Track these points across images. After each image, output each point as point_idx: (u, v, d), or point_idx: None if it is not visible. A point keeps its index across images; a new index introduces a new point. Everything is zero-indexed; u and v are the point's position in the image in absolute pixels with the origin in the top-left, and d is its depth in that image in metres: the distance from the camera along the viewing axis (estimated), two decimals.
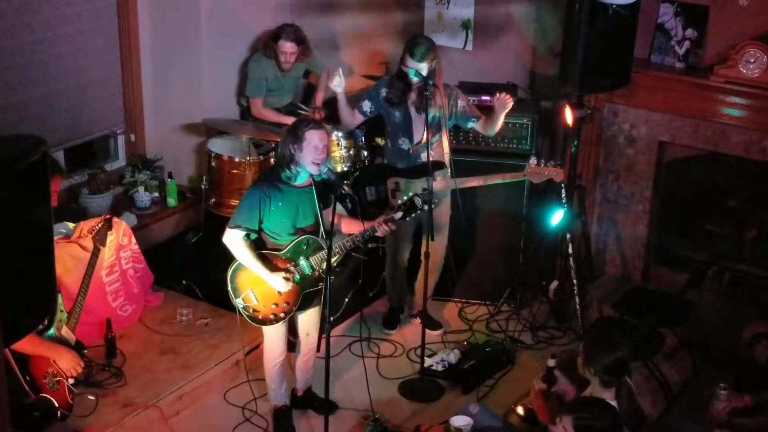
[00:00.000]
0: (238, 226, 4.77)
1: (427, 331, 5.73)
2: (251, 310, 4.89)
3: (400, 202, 5.04)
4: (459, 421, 4.60)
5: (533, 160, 5.48)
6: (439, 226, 5.69)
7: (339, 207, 5.07)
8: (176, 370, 5.41)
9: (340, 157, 6.31)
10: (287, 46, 6.43)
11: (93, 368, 5.22)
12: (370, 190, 5.80)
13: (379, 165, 6.07)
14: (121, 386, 5.24)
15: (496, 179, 5.60)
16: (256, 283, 4.85)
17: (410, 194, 5.06)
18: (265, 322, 4.92)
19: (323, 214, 4.81)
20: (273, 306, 4.88)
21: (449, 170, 5.67)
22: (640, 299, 5.73)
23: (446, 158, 5.64)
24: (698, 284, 5.57)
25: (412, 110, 5.63)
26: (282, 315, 4.91)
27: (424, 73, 5.40)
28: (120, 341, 5.53)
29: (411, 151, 5.68)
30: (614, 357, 4.07)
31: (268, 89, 6.64)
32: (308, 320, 5.07)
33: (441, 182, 5.57)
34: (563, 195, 5.93)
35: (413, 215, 5.02)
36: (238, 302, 4.88)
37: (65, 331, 4.79)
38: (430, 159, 5.58)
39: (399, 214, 4.94)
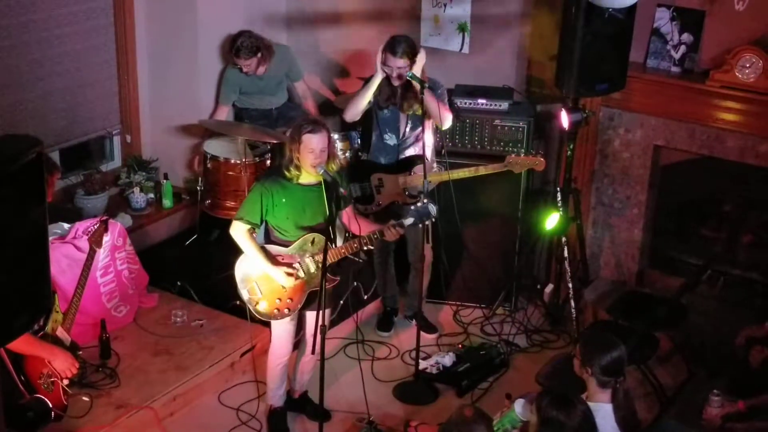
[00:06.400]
0: (240, 218, 4.83)
1: (422, 333, 5.74)
2: (255, 303, 4.90)
3: (413, 208, 4.96)
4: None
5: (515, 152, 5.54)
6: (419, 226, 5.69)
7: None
8: (170, 372, 5.40)
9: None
10: (242, 62, 6.46)
11: (87, 369, 5.22)
12: (354, 187, 5.82)
13: (361, 161, 6.09)
14: (115, 387, 5.23)
15: (480, 171, 5.61)
16: (262, 276, 4.87)
17: (425, 201, 5.01)
18: (269, 316, 4.93)
19: (336, 214, 4.78)
20: (277, 301, 4.88)
21: (434, 166, 5.72)
22: (635, 303, 5.73)
23: (428, 151, 5.67)
24: (693, 288, 5.57)
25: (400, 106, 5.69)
26: (286, 311, 4.90)
27: (403, 71, 5.45)
28: (114, 342, 5.52)
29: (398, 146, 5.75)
30: (612, 356, 4.08)
31: (247, 93, 6.69)
32: (314, 320, 5.05)
33: (432, 175, 5.58)
34: (558, 198, 5.94)
35: (426, 222, 5.01)
36: (244, 294, 4.91)
37: (60, 332, 4.78)
38: (413, 154, 5.71)
39: (410, 220, 4.88)
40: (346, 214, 4.98)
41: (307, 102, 6.84)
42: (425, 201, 5.01)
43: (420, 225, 5.01)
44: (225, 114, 6.73)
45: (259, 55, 6.48)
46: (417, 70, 5.48)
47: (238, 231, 4.84)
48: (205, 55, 6.69)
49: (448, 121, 5.65)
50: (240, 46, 6.40)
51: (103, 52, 6.59)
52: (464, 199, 5.89)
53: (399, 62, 5.47)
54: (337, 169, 4.85)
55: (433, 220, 5.01)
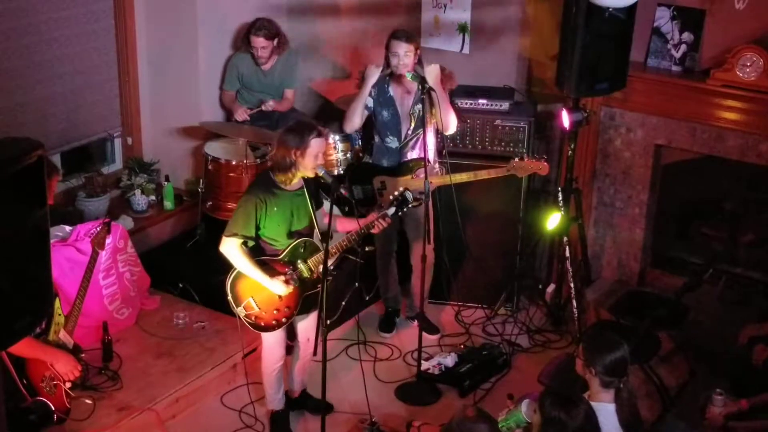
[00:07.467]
0: (234, 234, 4.73)
1: (423, 334, 5.74)
2: (253, 318, 4.88)
3: (391, 197, 5.05)
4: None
5: (518, 156, 5.56)
6: (421, 227, 5.69)
7: (335, 209, 5.08)
8: (172, 374, 5.41)
9: (336, 160, 6.32)
10: (258, 41, 6.48)
11: (89, 371, 5.22)
12: (357, 190, 5.84)
13: (364, 164, 6.10)
14: (118, 389, 5.24)
15: (482, 174, 5.61)
16: (256, 290, 4.84)
17: (401, 189, 5.07)
18: (268, 328, 4.91)
19: (316, 215, 4.82)
20: (274, 312, 4.87)
21: (436, 167, 5.72)
22: (637, 303, 5.73)
23: (430, 153, 5.67)
24: (694, 288, 5.57)
25: (400, 109, 5.70)
26: (284, 320, 4.90)
27: (409, 59, 5.51)
28: (116, 344, 5.52)
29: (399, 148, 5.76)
30: (615, 356, 4.07)
31: (248, 86, 6.67)
32: (308, 325, 5.06)
33: (434, 178, 5.58)
34: (560, 198, 5.94)
35: (405, 210, 5.04)
36: (240, 311, 4.87)
37: (63, 335, 4.77)
38: (415, 156, 5.73)
39: (392, 210, 4.96)
40: (323, 213, 4.93)
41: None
42: (402, 189, 5.05)
43: (400, 213, 5.04)
44: (231, 99, 6.73)
45: (275, 42, 6.51)
46: (431, 81, 5.52)
47: (232, 247, 4.74)
48: (206, 57, 6.69)
49: (453, 125, 5.67)
50: (261, 26, 6.46)
51: (104, 55, 6.59)
52: (466, 199, 5.90)
53: (403, 46, 5.53)
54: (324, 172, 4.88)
55: (411, 205, 5.03)
